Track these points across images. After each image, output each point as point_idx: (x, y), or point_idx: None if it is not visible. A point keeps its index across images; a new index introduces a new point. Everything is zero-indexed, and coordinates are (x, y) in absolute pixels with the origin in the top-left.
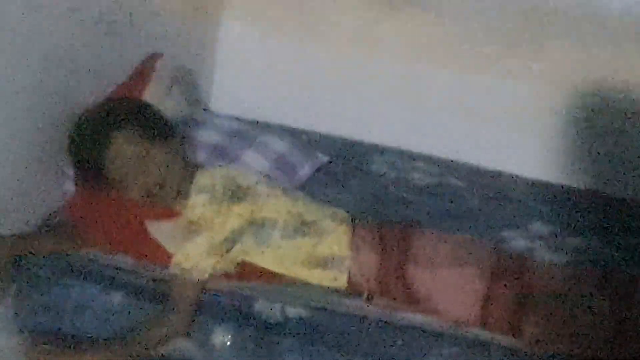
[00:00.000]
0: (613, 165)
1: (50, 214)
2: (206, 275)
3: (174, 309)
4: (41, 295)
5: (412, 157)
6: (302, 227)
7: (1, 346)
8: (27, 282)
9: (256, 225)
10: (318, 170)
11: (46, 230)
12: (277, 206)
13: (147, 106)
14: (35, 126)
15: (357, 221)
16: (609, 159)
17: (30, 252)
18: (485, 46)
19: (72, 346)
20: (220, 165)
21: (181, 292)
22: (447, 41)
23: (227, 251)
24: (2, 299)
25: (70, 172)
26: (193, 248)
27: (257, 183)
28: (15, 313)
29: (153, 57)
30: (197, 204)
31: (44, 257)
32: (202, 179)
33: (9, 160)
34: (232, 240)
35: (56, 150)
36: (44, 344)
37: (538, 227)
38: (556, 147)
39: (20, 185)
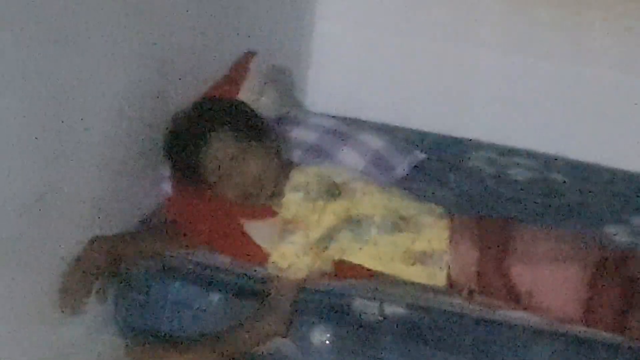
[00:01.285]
0: None
1: (148, 215)
2: (303, 274)
3: (272, 308)
4: (140, 295)
5: (511, 152)
6: (400, 223)
7: (103, 345)
8: (127, 282)
9: (352, 222)
10: (415, 167)
11: (145, 231)
12: (373, 202)
13: (242, 105)
14: (133, 126)
15: (455, 216)
16: None
17: (130, 252)
18: (587, 36)
19: (171, 345)
20: (315, 164)
21: (279, 291)
22: (547, 31)
23: (324, 249)
24: (103, 298)
25: (168, 172)
26: (289, 247)
27: (352, 180)
28: (116, 312)
29: (247, 56)
30: (292, 203)
31: (143, 257)
32: (297, 177)
33: (107, 162)
34: (328, 238)
35: (153, 150)
36: (144, 343)
37: None
38: None
39: (119, 185)
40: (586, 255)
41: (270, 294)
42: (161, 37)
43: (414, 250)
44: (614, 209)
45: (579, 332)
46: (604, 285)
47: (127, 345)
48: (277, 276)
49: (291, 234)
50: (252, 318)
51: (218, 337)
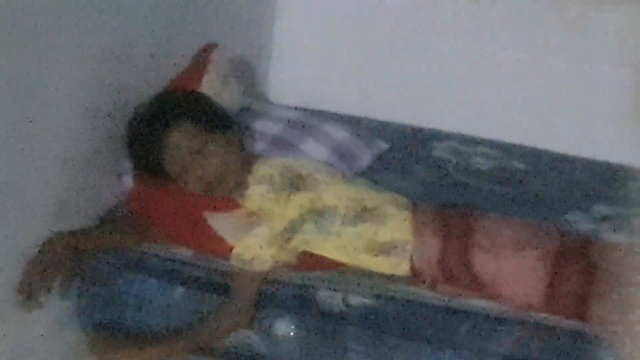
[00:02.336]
0: None
1: (110, 209)
2: (267, 266)
3: (236, 300)
4: (103, 289)
5: (474, 141)
6: (363, 214)
7: (65, 340)
8: (89, 277)
9: (316, 214)
10: (379, 157)
11: (106, 225)
12: (337, 193)
13: (204, 98)
14: (93, 121)
15: (418, 206)
16: None
17: (91, 247)
18: (550, 26)
19: (134, 340)
20: (278, 156)
21: (242, 284)
22: (507, 21)
23: (288, 241)
24: (65, 294)
25: (129, 166)
26: (253, 239)
27: (316, 171)
28: (78, 308)
29: (208, 48)
30: (256, 195)
31: (105, 251)
32: (261, 169)
33: (68, 156)
34: (292, 229)
35: (114, 144)
36: (107, 338)
37: (602, 208)
38: (620, 127)
39: (79, 180)
40: (548, 243)
41: (234, 286)
42: (121, 30)
43: (377, 241)
44: (575, 197)
45: (541, 319)
46: (565, 273)
47: (90, 341)
48: (241, 268)
49: (255, 226)
50: (216, 311)
51: (182, 331)
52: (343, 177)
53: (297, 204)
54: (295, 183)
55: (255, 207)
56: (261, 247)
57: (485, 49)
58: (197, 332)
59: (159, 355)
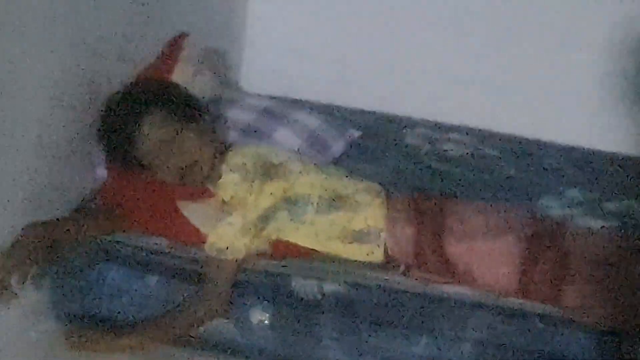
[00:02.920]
0: None
1: (84, 199)
2: (241, 255)
3: (210, 289)
4: (77, 280)
5: (446, 128)
6: (337, 202)
7: (40, 331)
8: (63, 268)
9: (290, 202)
10: (351, 145)
11: (80, 216)
12: (310, 182)
13: (176, 87)
14: (65, 111)
15: (392, 194)
16: None
17: (66, 238)
18: (519, 12)
19: (109, 330)
20: (252, 144)
21: (217, 273)
22: (480, 8)
23: (261, 230)
24: (40, 284)
25: (102, 156)
26: (227, 228)
27: (289, 160)
28: (52, 298)
29: (180, 37)
30: (229, 184)
31: (79, 242)
32: (234, 158)
33: (41, 148)
34: (265, 218)
35: (87, 134)
36: (82, 328)
37: (575, 193)
38: (592, 112)
39: (53, 171)
40: (521, 228)
41: (208, 275)
42: (92, 21)
43: (351, 228)
44: (547, 182)
45: (515, 304)
46: (538, 258)
47: (65, 332)
48: (216, 257)
49: (229, 215)
50: (191, 300)
51: (157, 320)
52: (316, 165)
53: (271, 192)
54: (268, 172)
55: (228, 195)
56: (235, 236)
57: (456, 36)
58: (172, 321)
59: (134, 345)
